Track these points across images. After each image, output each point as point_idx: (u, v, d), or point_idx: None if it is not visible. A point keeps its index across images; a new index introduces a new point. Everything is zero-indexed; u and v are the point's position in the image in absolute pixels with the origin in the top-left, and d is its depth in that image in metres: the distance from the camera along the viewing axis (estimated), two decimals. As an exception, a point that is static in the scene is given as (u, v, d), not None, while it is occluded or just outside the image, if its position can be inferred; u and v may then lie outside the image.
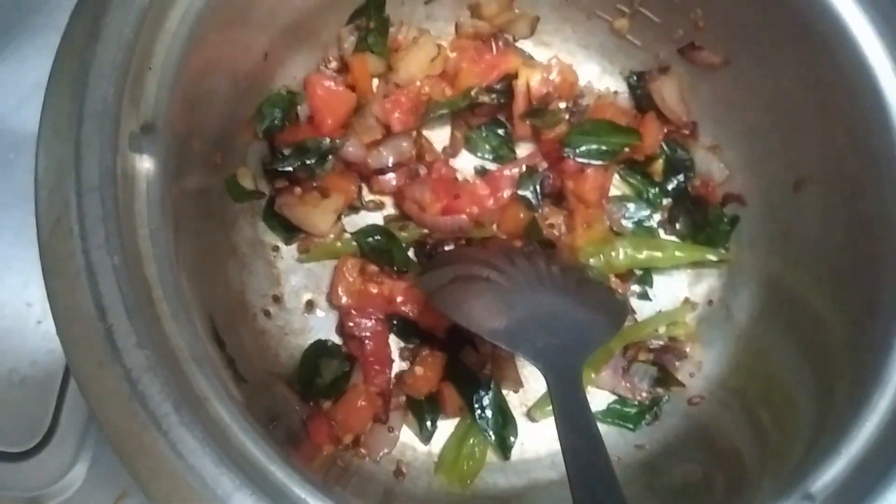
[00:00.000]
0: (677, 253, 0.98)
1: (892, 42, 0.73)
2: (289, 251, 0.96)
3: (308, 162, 0.92)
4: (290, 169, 0.92)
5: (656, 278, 1.00)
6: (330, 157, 0.93)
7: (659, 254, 0.97)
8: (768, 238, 0.93)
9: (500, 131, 1.02)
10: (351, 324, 0.91)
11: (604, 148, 0.97)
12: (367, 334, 0.91)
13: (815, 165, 0.85)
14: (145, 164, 0.61)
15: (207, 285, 0.77)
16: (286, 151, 0.92)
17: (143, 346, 0.54)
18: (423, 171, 0.99)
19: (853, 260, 0.79)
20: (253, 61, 0.84)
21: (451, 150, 1.02)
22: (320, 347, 0.91)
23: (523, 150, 1.03)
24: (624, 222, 1.01)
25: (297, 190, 0.93)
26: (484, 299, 0.79)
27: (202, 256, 0.78)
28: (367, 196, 0.99)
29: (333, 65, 0.97)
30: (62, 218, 0.55)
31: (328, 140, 0.93)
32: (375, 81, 1.00)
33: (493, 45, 1.02)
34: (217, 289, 0.82)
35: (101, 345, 0.53)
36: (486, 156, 1.02)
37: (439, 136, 1.03)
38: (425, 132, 1.02)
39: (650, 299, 0.99)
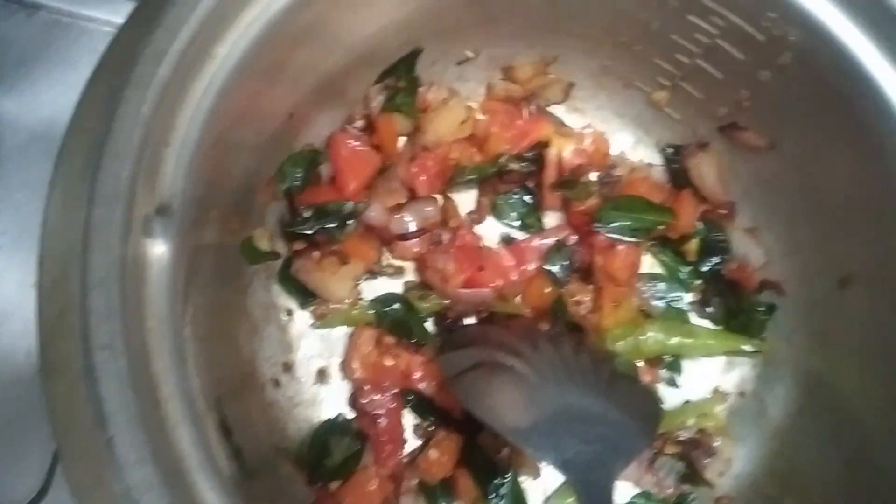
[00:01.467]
0: (710, 341, 0.93)
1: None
2: (302, 316, 0.91)
3: (328, 226, 0.88)
4: (310, 232, 0.88)
5: (686, 364, 0.95)
6: (351, 220, 0.89)
7: (691, 340, 0.92)
8: (808, 333, 0.88)
9: (529, 199, 0.98)
10: (364, 400, 0.87)
11: (636, 225, 0.93)
12: (381, 411, 0.87)
13: (864, 265, 0.80)
14: (158, 250, 0.57)
15: (217, 359, 0.72)
16: (306, 213, 0.88)
17: (145, 462, 0.49)
18: (446, 237, 0.95)
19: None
20: (277, 123, 0.80)
21: (477, 217, 0.98)
22: (330, 425, 0.86)
23: (551, 219, 0.98)
24: (654, 302, 0.96)
25: (316, 254, 0.88)
26: (508, 394, 0.74)
27: (213, 326, 0.74)
28: (388, 260, 0.95)
29: (359, 123, 0.93)
30: (66, 312, 0.51)
31: (350, 203, 0.89)
32: (402, 141, 0.96)
33: (526, 109, 0.99)
34: (227, 360, 0.78)
35: (101, 458, 0.49)
36: (513, 224, 0.98)
37: (464, 200, 0.99)
38: (451, 195, 0.98)
39: (678, 387, 0.94)
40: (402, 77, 0.93)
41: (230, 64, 0.63)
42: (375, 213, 0.91)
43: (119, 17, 0.96)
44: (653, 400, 0.88)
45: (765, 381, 0.92)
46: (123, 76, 0.55)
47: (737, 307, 0.94)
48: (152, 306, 0.56)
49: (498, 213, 0.98)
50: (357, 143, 0.91)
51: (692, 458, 0.89)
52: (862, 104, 0.74)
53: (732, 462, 0.89)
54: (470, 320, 0.93)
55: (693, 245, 0.96)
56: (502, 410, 0.73)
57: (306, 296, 0.90)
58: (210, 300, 0.73)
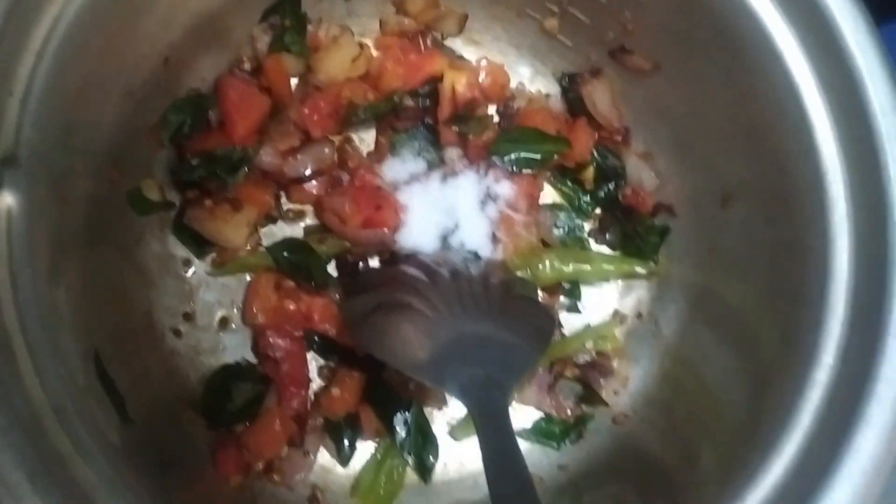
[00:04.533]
0: (605, 266, 0.95)
1: (818, 62, 0.70)
2: (201, 265, 0.91)
3: (218, 172, 0.87)
4: (199, 180, 0.87)
5: (585, 290, 0.97)
6: (242, 166, 0.88)
7: (587, 266, 0.94)
8: (697, 251, 0.91)
9: (427, 134, 0.98)
10: (266, 344, 0.87)
11: (532, 156, 0.93)
12: (283, 354, 0.87)
13: (741, 182, 0.83)
14: (6, 201, 0.56)
15: (98, 314, 0.72)
16: (195, 161, 0.87)
17: (-7, 410, 0.50)
18: (345, 178, 0.95)
19: (777, 280, 0.77)
20: (150, 68, 0.78)
21: (377, 156, 0.97)
22: (231, 371, 0.87)
23: (451, 153, 0.98)
24: (555, 231, 0.97)
25: (208, 202, 0.87)
26: (405, 332, 0.75)
27: (95, 281, 0.73)
28: (286, 205, 0.94)
29: (247, 66, 0.91)
30: None
31: (240, 149, 0.88)
32: (294, 82, 0.95)
33: (421, 43, 0.98)
34: (113, 315, 0.77)
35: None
36: (413, 161, 0.98)
37: (363, 139, 0.98)
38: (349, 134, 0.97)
39: (579, 312, 0.97)
40: (287, 15, 0.91)
41: (75, 6, 0.61)
42: (269, 157, 0.90)
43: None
44: (546, 316, 0.90)
45: (659, 301, 0.95)
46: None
47: (632, 231, 0.96)
48: (2, 258, 0.55)
49: (397, 151, 0.98)
50: (245, 86, 0.90)
51: (590, 379, 0.92)
52: (731, 20, 0.75)
53: (628, 381, 0.92)
54: (372, 261, 0.94)
55: (590, 173, 0.98)
56: (400, 349, 0.75)
57: (203, 244, 0.89)
58: (90, 254, 0.72)
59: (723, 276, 0.87)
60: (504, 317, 0.80)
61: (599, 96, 0.95)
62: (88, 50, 0.64)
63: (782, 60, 0.72)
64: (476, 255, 0.92)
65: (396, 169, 0.96)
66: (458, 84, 0.94)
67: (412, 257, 0.90)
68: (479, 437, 0.66)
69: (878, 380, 0.62)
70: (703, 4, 0.76)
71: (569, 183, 0.99)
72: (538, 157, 0.94)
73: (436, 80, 0.95)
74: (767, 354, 0.74)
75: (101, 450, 0.57)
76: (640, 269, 0.94)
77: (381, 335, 0.76)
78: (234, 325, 0.91)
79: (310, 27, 0.93)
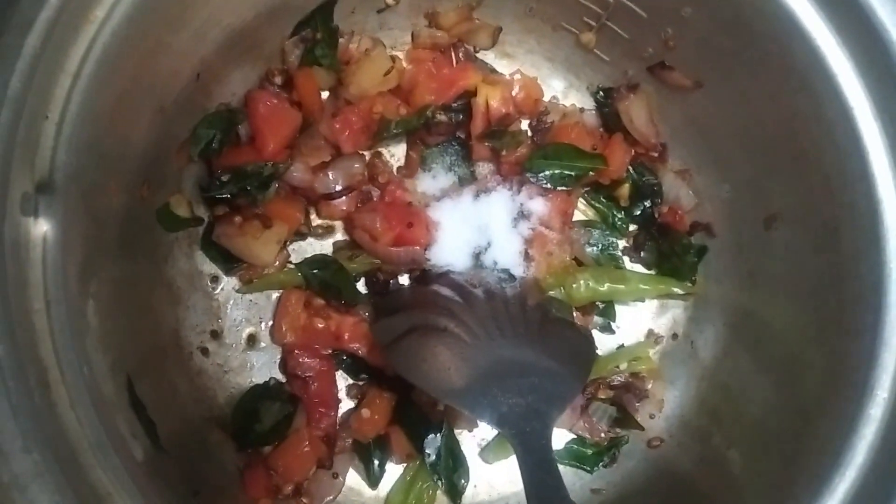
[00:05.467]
0: (642, 286, 0.93)
1: (874, 85, 0.67)
2: (229, 281, 0.90)
3: (248, 188, 0.86)
4: (229, 196, 0.86)
5: (620, 308, 0.95)
6: (273, 182, 0.87)
7: (622, 286, 0.92)
8: (737, 273, 0.89)
9: (459, 150, 0.96)
10: (294, 363, 0.86)
11: (567, 173, 0.91)
12: (312, 374, 0.86)
13: (787, 204, 0.80)
14: (41, 229, 0.55)
15: (129, 335, 0.71)
16: (224, 177, 0.85)
17: (30, 450, 0.48)
18: (375, 193, 0.93)
19: (824, 309, 0.75)
20: (182, 84, 0.77)
21: (407, 171, 0.95)
22: (260, 391, 0.85)
23: (484, 169, 0.96)
24: (588, 249, 0.95)
25: (237, 219, 0.86)
26: (441, 358, 0.73)
27: (125, 301, 0.72)
28: (315, 221, 0.93)
29: (278, 80, 0.90)
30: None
31: (270, 164, 0.86)
32: (325, 95, 0.93)
33: (453, 56, 0.96)
34: (144, 332, 0.76)
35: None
36: (444, 176, 0.96)
37: (394, 153, 0.96)
38: (380, 149, 0.95)
39: (613, 332, 0.95)
40: (319, 28, 0.89)
41: (112, 26, 0.59)
42: (299, 172, 0.88)
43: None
44: (585, 340, 0.88)
45: (696, 322, 0.93)
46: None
47: (669, 250, 0.94)
48: (37, 288, 0.54)
49: (428, 167, 0.96)
50: (276, 101, 0.88)
51: (624, 401, 0.90)
52: (781, 39, 0.73)
53: (664, 404, 0.90)
54: (402, 278, 0.92)
55: (625, 190, 0.96)
56: (436, 375, 0.73)
57: (231, 261, 0.88)
58: (120, 273, 0.71)
59: (764, 301, 0.84)
60: (543, 341, 0.78)
61: (636, 112, 0.93)
62: (123, 69, 0.63)
63: (835, 82, 0.69)
64: (510, 275, 0.90)
65: (427, 184, 0.95)
66: (492, 99, 0.92)
67: (445, 276, 0.88)
68: (521, 469, 0.65)
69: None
70: (750, 24, 0.74)
71: (603, 199, 0.97)
72: (573, 173, 0.91)
73: (469, 95, 0.93)
74: (814, 386, 0.72)
75: (135, 480, 0.55)
76: (677, 290, 0.92)
77: (416, 359, 0.75)
78: (262, 343, 0.89)
79: (341, 40, 0.91)
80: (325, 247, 0.92)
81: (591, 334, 0.91)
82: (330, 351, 0.88)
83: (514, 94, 0.94)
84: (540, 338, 0.79)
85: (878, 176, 0.67)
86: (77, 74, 0.57)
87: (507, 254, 0.92)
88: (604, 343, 0.94)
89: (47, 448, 0.49)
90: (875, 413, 0.65)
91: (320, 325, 0.87)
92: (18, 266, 0.53)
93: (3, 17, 0.52)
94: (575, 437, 0.91)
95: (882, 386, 0.65)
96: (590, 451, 0.90)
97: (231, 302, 0.89)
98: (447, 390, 0.72)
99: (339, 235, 0.93)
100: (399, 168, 0.96)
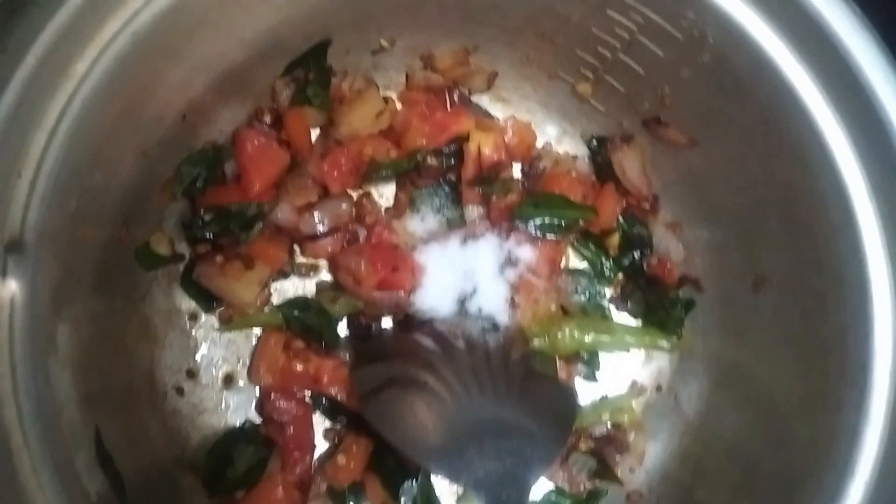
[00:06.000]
0: (627, 337, 0.92)
1: (870, 163, 0.66)
2: (208, 319, 0.88)
3: (232, 228, 0.84)
4: (211, 236, 0.84)
5: (604, 356, 0.94)
6: (257, 223, 0.85)
7: (607, 337, 0.91)
8: (724, 330, 0.88)
9: (449, 192, 0.95)
10: (271, 407, 0.85)
11: (557, 222, 0.90)
12: (289, 419, 0.85)
13: (776, 267, 0.79)
14: (9, 290, 0.53)
15: (101, 378, 0.70)
16: (207, 216, 0.84)
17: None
18: (362, 233, 0.92)
19: (810, 378, 0.74)
20: (167, 126, 0.75)
21: (396, 212, 0.94)
22: (233, 434, 0.84)
23: (473, 212, 0.95)
24: (575, 297, 0.94)
25: (219, 258, 0.84)
26: (419, 417, 0.72)
27: (98, 344, 0.71)
28: (299, 258, 0.92)
29: (268, 118, 0.88)
30: None
31: (255, 205, 0.85)
32: (316, 133, 0.92)
33: (447, 99, 0.94)
34: (116, 376, 0.75)
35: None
36: (433, 218, 0.95)
37: (383, 193, 0.95)
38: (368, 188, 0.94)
39: (596, 380, 0.94)
40: (312, 68, 0.87)
41: (93, 81, 0.58)
42: (284, 213, 0.87)
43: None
44: (567, 399, 0.87)
45: (681, 375, 0.92)
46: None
47: (656, 302, 0.93)
48: (3, 351, 0.53)
49: (417, 208, 0.95)
50: (264, 140, 0.87)
51: (605, 453, 0.89)
52: (779, 108, 0.72)
53: (645, 457, 0.89)
54: (385, 322, 0.91)
55: (615, 240, 0.95)
56: (412, 433, 0.72)
57: (211, 299, 0.87)
58: (93, 317, 0.70)
59: (750, 361, 0.84)
60: (524, 400, 0.77)
61: (629, 163, 0.92)
62: (104, 119, 0.61)
63: (831, 158, 0.68)
64: (494, 325, 0.89)
65: (416, 226, 0.94)
66: (484, 146, 0.91)
67: (427, 324, 0.87)
68: None
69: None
70: (749, 91, 0.73)
71: (592, 247, 0.96)
72: (563, 222, 0.90)
73: (461, 140, 0.92)
74: (798, 455, 0.71)
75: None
76: (663, 343, 0.91)
77: (393, 416, 0.73)
78: (239, 383, 0.88)
79: (334, 79, 0.90)
80: (308, 286, 0.91)
81: (573, 391, 0.90)
82: (308, 394, 0.87)
83: (507, 139, 0.93)
84: (521, 396, 0.78)
85: (869, 255, 0.67)
86: (53, 131, 0.56)
87: (493, 301, 0.90)
88: (586, 392, 0.93)
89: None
90: (855, 494, 0.64)
91: (299, 368, 0.86)
92: (-16, 330, 0.52)
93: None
94: (554, 487, 0.90)
95: (864, 466, 0.65)
96: (568, 503, 0.89)
97: (209, 340, 0.88)
98: (422, 450, 0.70)
99: (324, 274, 0.92)
100: (387, 209, 0.94)
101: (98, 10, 0.56)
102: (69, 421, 0.60)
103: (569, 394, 0.88)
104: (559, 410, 0.81)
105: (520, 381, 0.81)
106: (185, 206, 0.85)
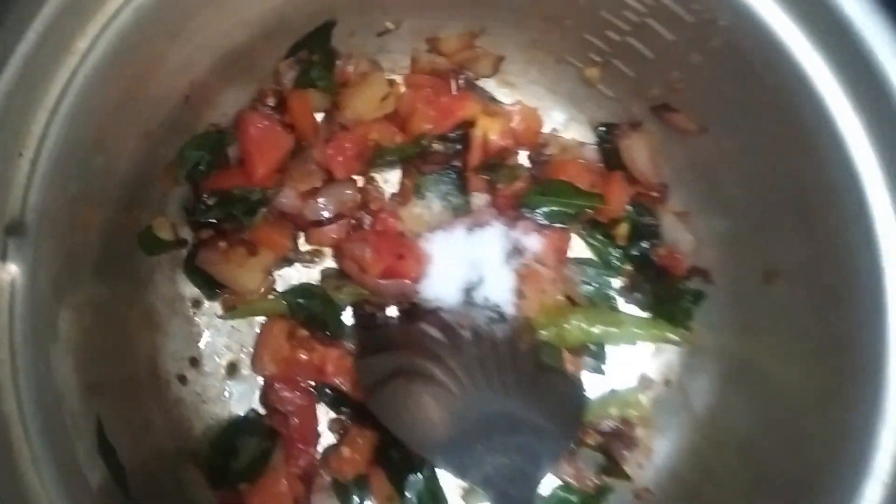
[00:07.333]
0: (635, 329, 0.90)
1: (885, 152, 0.65)
2: (211, 306, 0.87)
3: (235, 213, 0.83)
4: (215, 221, 0.83)
5: (611, 349, 0.92)
6: (260, 208, 0.84)
7: (615, 329, 0.90)
8: (734, 324, 0.86)
9: (455, 178, 0.93)
10: (275, 397, 0.83)
11: (564, 210, 0.89)
12: (293, 409, 0.83)
13: (788, 260, 0.78)
14: (10, 274, 0.52)
15: (103, 366, 0.69)
16: (210, 201, 0.82)
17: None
18: (367, 220, 0.90)
19: (823, 374, 0.72)
20: (170, 108, 0.74)
21: (401, 199, 0.93)
22: (236, 425, 0.83)
23: (479, 199, 0.93)
24: (582, 287, 0.93)
25: (222, 244, 0.83)
26: (425, 410, 0.71)
27: (100, 330, 0.69)
28: (304, 246, 0.90)
29: (271, 101, 0.87)
30: None
31: (258, 190, 0.83)
32: (321, 116, 0.90)
33: (453, 83, 0.93)
34: (119, 364, 0.74)
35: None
36: (438, 205, 0.93)
37: (388, 179, 0.94)
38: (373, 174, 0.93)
39: (603, 374, 0.92)
40: (316, 50, 0.86)
41: (95, 58, 0.56)
42: (288, 198, 0.85)
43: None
44: (577, 391, 0.86)
45: (690, 369, 0.90)
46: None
47: (665, 294, 0.91)
48: (3, 338, 0.51)
49: (422, 195, 0.93)
50: (267, 123, 0.85)
51: (613, 449, 0.88)
52: (791, 96, 0.70)
53: (653, 453, 0.88)
54: (390, 311, 0.89)
55: (623, 229, 0.93)
56: (420, 427, 0.71)
57: (214, 286, 0.85)
58: (95, 303, 0.68)
59: (762, 356, 0.82)
60: (532, 393, 0.76)
61: (638, 150, 0.91)
62: (106, 99, 0.60)
63: (845, 147, 0.67)
64: (500, 314, 0.87)
65: (421, 212, 0.92)
66: (490, 132, 0.89)
67: (433, 313, 0.86)
68: None
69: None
70: (761, 78, 0.71)
71: (600, 237, 0.94)
72: (570, 211, 0.89)
73: (467, 125, 0.90)
74: (812, 456, 0.70)
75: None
76: (672, 336, 0.90)
77: (399, 408, 0.72)
78: (243, 372, 0.87)
79: (338, 62, 0.89)
80: (312, 274, 0.90)
81: (582, 383, 0.89)
82: (312, 384, 0.85)
83: (513, 125, 0.92)
84: (530, 388, 0.77)
85: (883, 247, 0.65)
86: (55, 110, 0.54)
87: (499, 290, 0.89)
88: (594, 385, 0.92)
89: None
90: (872, 496, 0.63)
91: (303, 357, 0.85)
92: (-17, 315, 0.50)
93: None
94: (561, 482, 0.89)
95: (881, 467, 0.63)
96: (575, 499, 0.88)
97: (212, 328, 0.87)
98: (430, 445, 0.69)
99: (329, 262, 0.90)
100: (392, 195, 0.93)
101: (100, -16, 0.54)
102: (70, 410, 0.59)
103: (578, 386, 0.86)
104: (568, 403, 0.80)
105: (528, 373, 0.80)
106: (187, 190, 0.84)
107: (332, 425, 0.87)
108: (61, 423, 0.56)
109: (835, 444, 0.67)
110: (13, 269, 0.52)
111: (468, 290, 0.88)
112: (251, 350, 0.87)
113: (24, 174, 0.53)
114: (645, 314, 0.93)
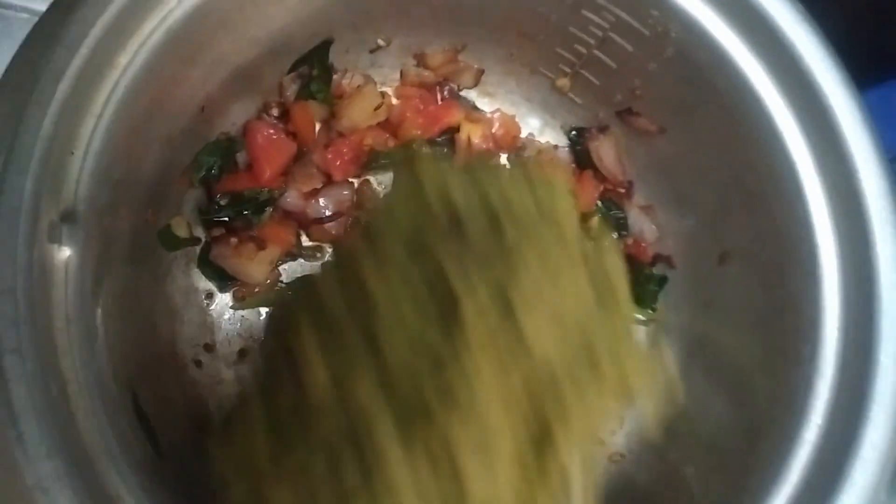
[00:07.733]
0: (606, 311, 1.00)
1: (816, 145, 0.76)
2: (223, 298, 0.95)
3: (245, 212, 0.92)
4: (227, 219, 0.92)
5: (586, 331, 1.02)
6: (268, 207, 0.93)
7: (589, 312, 0.99)
8: (694, 303, 0.96)
9: (442, 180, 1.03)
10: (282, 378, 0.92)
11: (541, 206, 0.98)
12: (299, 389, 0.92)
13: (739, 242, 0.88)
14: (65, 254, 0.60)
15: (133, 345, 0.76)
16: (223, 201, 0.91)
17: (53, 455, 0.54)
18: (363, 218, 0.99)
19: (770, 339, 0.82)
20: (188, 117, 0.83)
21: (392, 198, 1.02)
22: (249, 402, 0.91)
23: (464, 199, 1.03)
24: (558, 276, 1.02)
25: (233, 240, 0.92)
26: None
27: (129, 313, 0.77)
28: (306, 243, 0.99)
29: (275, 112, 0.96)
30: (-27, 322, 0.54)
31: (266, 190, 0.92)
32: (318, 127, 0.99)
33: (438, 94, 1.03)
34: (145, 345, 0.82)
35: (13, 454, 0.53)
36: (427, 204, 1.03)
37: (381, 181, 1.03)
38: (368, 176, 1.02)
39: (579, 353, 1.02)
40: (315, 66, 0.96)
41: (132, 71, 0.65)
42: (292, 198, 0.95)
43: (36, 3, 0.95)
44: None
45: (655, 346, 1.00)
46: (24, 96, 0.57)
47: (632, 279, 1.00)
48: (60, 308, 0.59)
49: (412, 195, 1.02)
50: (272, 131, 0.94)
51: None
52: (735, 96, 0.81)
53: (624, 421, 0.97)
54: (385, 300, 0.98)
55: (594, 222, 1.03)
56: None
57: (225, 279, 0.94)
58: (125, 289, 0.76)
59: (718, 329, 0.92)
60: None
61: (605, 151, 1.01)
62: (139, 107, 0.68)
63: (781, 137, 0.77)
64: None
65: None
66: (473, 136, 0.99)
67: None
68: None
69: (863, 443, 0.67)
70: (708, 81, 0.82)
71: (573, 231, 1.04)
72: (546, 206, 0.99)
73: (453, 130, 1.00)
74: (761, 409, 0.79)
75: (141, 484, 0.61)
76: (639, 316, 1.00)
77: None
78: (252, 358, 0.95)
79: (335, 76, 0.98)
80: (314, 268, 0.99)
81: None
82: (316, 367, 0.94)
83: (493, 130, 1.02)
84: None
85: (817, 225, 0.75)
86: (100, 115, 0.63)
87: (484, 279, 0.99)
88: (570, 364, 1.01)
89: (67, 454, 0.55)
90: (809, 437, 0.72)
91: (307, 343, 0.93)
92: (44, 289, 0.59)
93: (39, 65, 0.58)
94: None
95: (817, 412, 0.73)
96: (555, 464, 0.97)
97: (224, 318, 0.95)
98: None
99: (328, 257, 0.99)
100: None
101: (139, 7, 0.64)
102: (109, 376, 0.66)
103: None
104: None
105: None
106: (201, 192, 0.92)
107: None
108: (108, 384, 0.64)
109: (780, 396, 0.77)
110: (67, 252, 0.60)
111: (456, 280, 0.98)
112: (260, 337, 0.95)
113: (76, 170, 0.62)
114: (616, 298, 1.03)
